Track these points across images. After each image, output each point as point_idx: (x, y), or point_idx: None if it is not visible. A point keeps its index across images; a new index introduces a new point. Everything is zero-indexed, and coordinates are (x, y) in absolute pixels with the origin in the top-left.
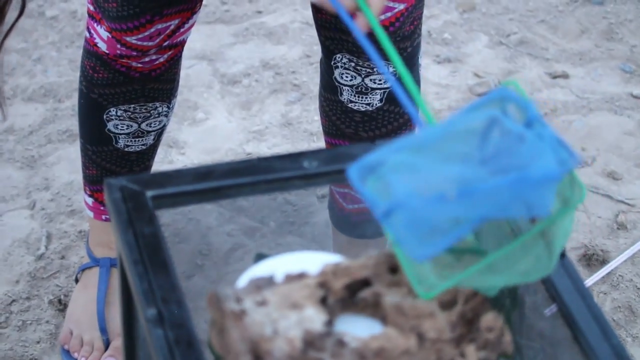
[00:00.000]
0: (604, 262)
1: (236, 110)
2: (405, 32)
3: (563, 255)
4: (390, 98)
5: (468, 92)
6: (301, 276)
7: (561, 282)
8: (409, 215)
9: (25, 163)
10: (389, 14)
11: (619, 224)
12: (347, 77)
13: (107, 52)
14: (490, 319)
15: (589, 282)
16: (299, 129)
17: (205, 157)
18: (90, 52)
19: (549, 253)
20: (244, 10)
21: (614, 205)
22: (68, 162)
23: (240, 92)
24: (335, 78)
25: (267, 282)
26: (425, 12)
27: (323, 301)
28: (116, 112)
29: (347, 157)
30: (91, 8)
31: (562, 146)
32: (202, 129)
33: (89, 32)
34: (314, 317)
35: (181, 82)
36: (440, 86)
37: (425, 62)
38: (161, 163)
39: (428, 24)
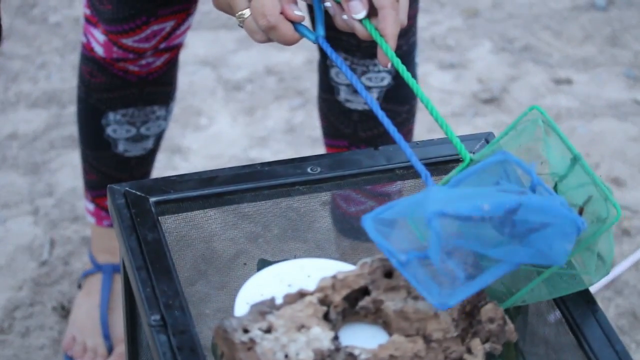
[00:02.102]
0: None
1: (240, 116)
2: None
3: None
4: (387, 97)
5: (472, 98)
6: (301, 295)
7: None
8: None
9: (29, 169)
10: None
11: (623, 230)
12: (343, 76)
13: (104, 56)
14: (490, 310)
15: (593, 288)
16: (302, 135)
17: (209, 163)
18: (88, 57)
19: (601, 263)
20: None
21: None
22: (71, 168)
23: (244, 98)
24: (331, 77)
25: (269, 306)
26: (429, 18)
27: (325, 316)
28: (114, 116)
29: (351, 163)
30: (87, 12)
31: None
32: (206, 134)
33: (86, 37)
34: (321, 335)
35: (185, 88)
36: (444, 92)
37: (428, 68)
38: (164, 169)
39: (432, 30)
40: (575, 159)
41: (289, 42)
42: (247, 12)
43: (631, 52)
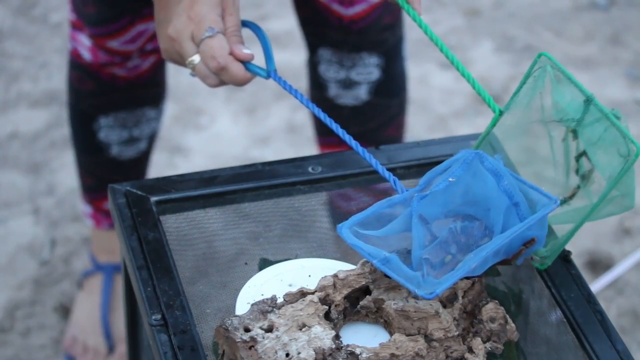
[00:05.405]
0: (609, 268)
1: (241, 115)
2: (384, 24)
3: (569, 260)
4: (376, 91)
5: (473, 98)
6: (302, 294)
7: (566, 287)
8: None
9: (30, 169)
10: (364, 5)
11: (624, 230)
12: (331, 71)
13: (91, 61)
14: (491, 310)
15: (594, 287)
16: (303, 134)
17: (210, 162)
18: (75, 63)
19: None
20: (248, 15)
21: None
22: (72, 168)
23: (245, 98)
24: (320, 74)
25: (270, 305)
26: (430, 17)
27: (327, 315)
28: (106, 121)
29: (351, 162)
30: (73, 17)
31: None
32: (207, 134)
33: (73, 43)
34: (322, 334)
35: (186, 87)
36: (445, 92)
37: (429, 67)
38: (165, 168)
39: (433, 30)
40: (588, 100)
41: (241, 82)
42: (196, 58)
43: (632, 51)
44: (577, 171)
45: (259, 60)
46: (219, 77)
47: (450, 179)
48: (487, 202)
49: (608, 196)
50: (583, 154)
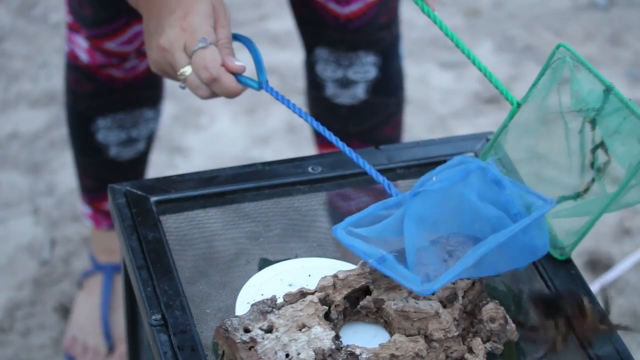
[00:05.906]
0: (609, 268)
1: (240, 115)
2: (380, 22)
3: (569, 260)
4: (373, 90)
5: (473, 98)
6: (302, 294)
7: (566, 287)
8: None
9: (29, 169)
10: (360, 4)
11: (624, 230)
12: (328, 70)
13: (88, 63)
14: (491, 310)
15: (594, 287)
16: (303, 134)
17: (210, 162)
18: (72, 65)
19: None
20: (248, 15)
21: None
22: (72, 168)
23: (245, 98)
24: (317, 73)
25: (270, 306)
26: None
27: (326, 316)
28: (104, 122)
29: (351, 162)
30: (69, 19)
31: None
32: (207, 134)
33: (70, 45)
34: (322, 335)
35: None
36: (445, 92)
37: (429, 67)
38: (165, 168)
39: (433, 30)
40: (608, 90)
41: (232, 93)
42: (188, 70)
43: (632, 51)
44: (592, 164)
45: (250, 73)
46: (211, 89)
47: (434, 179)
48: (478, 212)
49: (627, 185)
50: (599, 145)
